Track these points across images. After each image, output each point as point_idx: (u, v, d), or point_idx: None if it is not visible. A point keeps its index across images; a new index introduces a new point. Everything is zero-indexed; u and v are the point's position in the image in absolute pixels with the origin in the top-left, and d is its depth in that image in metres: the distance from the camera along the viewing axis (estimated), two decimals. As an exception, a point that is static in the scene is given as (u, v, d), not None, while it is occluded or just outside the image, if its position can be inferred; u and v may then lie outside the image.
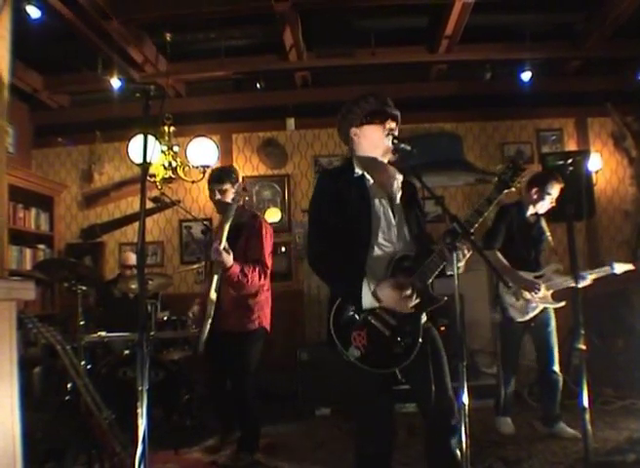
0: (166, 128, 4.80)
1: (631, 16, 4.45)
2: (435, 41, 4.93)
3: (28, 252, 5.33)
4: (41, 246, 5.53)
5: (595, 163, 5.62)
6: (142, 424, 1.83)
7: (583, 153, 5.43)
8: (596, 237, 5.75)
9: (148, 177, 3.19)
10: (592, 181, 5.36)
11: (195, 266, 4.84)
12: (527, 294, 3.53)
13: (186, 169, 4.91)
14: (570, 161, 4.10)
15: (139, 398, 1.85)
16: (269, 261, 3.30)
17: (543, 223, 3.75)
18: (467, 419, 1.87)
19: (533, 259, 3.67)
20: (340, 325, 2.06)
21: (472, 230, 1.96)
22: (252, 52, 5.20)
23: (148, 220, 5.65)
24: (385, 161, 2.21)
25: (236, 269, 3.06)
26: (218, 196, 3.30)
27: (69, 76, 5.43)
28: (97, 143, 5.92)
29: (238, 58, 5.18)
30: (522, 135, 5.92)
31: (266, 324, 3.36)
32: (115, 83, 4.77)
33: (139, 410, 1.84)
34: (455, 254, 1.91)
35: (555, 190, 3.59)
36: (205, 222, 4.45)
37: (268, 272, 3.29)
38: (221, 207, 3.30)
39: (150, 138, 2.10)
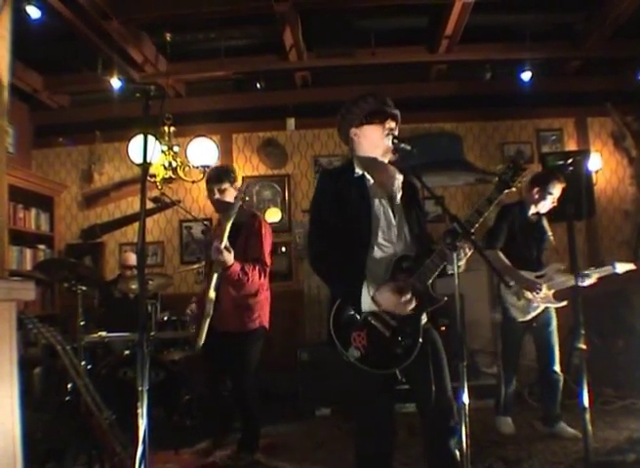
0: (166, 128, 4.81)
1: (631, 16, 4.45)
2: (435, 41, 4.93)
3: (28, 252, 5.33)
4: (41, 246, 5.53)
5: (595, 163, 5.62)
6: (143, 424, 1.83)
7: (583, 153, 5.42)
8: (596, 237, 5.75)
9: (148, 178, 3.19)
10: (592, 181, 5.35)
11: (195, 266, 4.84)
12: (528, 294, 3.54)
13: (186, 169, 4.91)
14: (570, 161, 4.11)
15: (139, 398, 1.85)
16: (269, 260, 3.30)
17: (545, 223, 3.75)
18: (467, 419, 1.87)
19: (534, 259, 3.67)
20: (340, 325, 2.06)
21: (473, 230, 1.96)
22: (252, 52, 5.20)
23: (148, 221, 5.65)
24: (386, 161, 2.21)
25: (237, 268, 3.06)
26: (217, 195, 3.29)
27: (69, 76, 5.43)
28: (97, 143, 5.92)
29: (238, 58, 5.18)
30: (522, 135, 5.92)
31: (266, 323, 3.36)
32: (115, 83, 4.76)
33: (139, 411, 1.84)
34: (455, 254, 1.91)
35: (557, 190, 3.59)
36: (205, 222, 4.47)
37: (268, 271, 3.29)
38: (221, 206, 3.29)
39: (150, 138, 2.10)
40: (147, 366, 1.88)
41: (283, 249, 5.70)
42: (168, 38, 4.85)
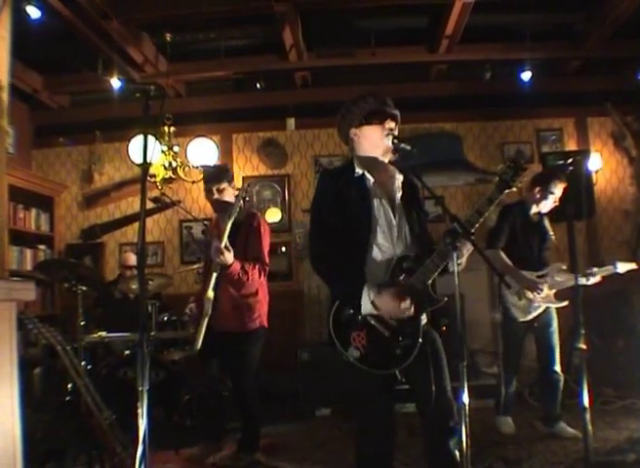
0: (166, 128, 4.81)
1: (631, 16, 4.45)
2: (435, 41, 4.93)
3: (29, 252, 5.33)
4: (41, 246, 5.53)
5: (595, 163, 5.62)
6: (143, 424, 1.83)
7: (583, 153, 5.43)
8: (596, 237, 5.75)
9: (148, 178, 3.19)
10: (592, 181, 5.36)
11: (195, 266, 4.84)
12: (529, 294, 3.54)
13: (186, 169, 4.92)
14: (570, 161, 4.11)
15: (139, 398, 1.85)
16: (268, 259, 3.30)
17: (547, 222, 3.75)
18: (467, 419, 1.87)
19: (536, 259, 3.66)
20: (340, 325, 2.06)
21: (473, 230, 1.96)
22: (252, 52, 5.20)
23: (149, 221, 5.65)
24: (386, 161, 2.21)
25: (237, 266, 3.06)
26: (216, 195, 3.27)
27: (69, 76, 5.43)
28: (97, 143, 5.92)
29: (238, 58, 5.19)
30: (522, 134, 5.92)
31: (266, 322, 3.35)
32: (115, 83, 4.77)
33: (139, 411, 1.84)
34: (455, 254, 1.91)
35: (558, 189, 3.59)
36: (205, 222, 4.46)
37: (268, 270, 3.29)
38: (219, 206, 3.29)
39: (150, 139, 2.10)
40: (147, 366, 1.88)
41: (283, 249, 5.69)
42: (168, 38, 4.85)
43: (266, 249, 3.30)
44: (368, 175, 2.15)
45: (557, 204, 3.63)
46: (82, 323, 3.64)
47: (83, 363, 3.47)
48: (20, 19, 3.52)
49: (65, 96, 5.89)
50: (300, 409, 4.52)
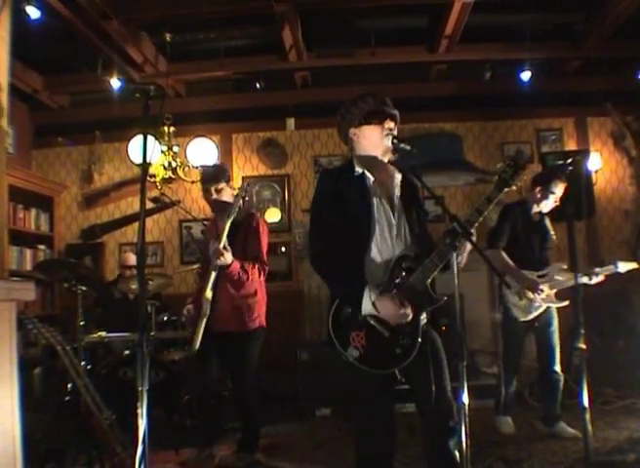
0: (166, 128, 4.81)
1: (631, 16, 4.44)
2: (435, 41, 4.93)
3: (28, 252, 5.33)
4: (41, 246, 5.53)
5: (595, 162, 5.63)
6: (143, 424, 1.83)
7: (583, 153, 5.43)
8: (596, 237, 5.75)
9: (148, 178, 3.18)
10: (592, 181, 5.36)
11: (195, 266, 4.83)
12: (530, 294, 3.54)
13: (186, 169, 4.92)
14: (569, 160, 4.11)
15: (139, 398, 1.85)
16: (266, 259, 3.30)
17: (548, 222, 3.76)
18: (467, 419, 1.87)
19: (537, 258, 3.67)
20: (339, 325, 2.06)
21: (472, 229, 1.96)
22: (252, 52, 5.20)
23: (148, 221, 5.65)
24: (385, 160, 2.21)
25: (236, 266, 3.05)
26: (214, 195, 3.25)
27: (69, 76, 5.43)
28: (97, 144, 5.92)
29: (238, 58, 5.19)
30: (522, 134, 5.92)
31: (264, 322, 3.35)
32: (115, 83, 4.76)
33: (139, 411, 1.84)
34: (455, 254, 1.92)
35: (559, 189, 3.59)
36: (205, 222, 4.45)
37: (267, 269, 3.29)
38: (218, 206, 3.28)
39: (150, 139, 2.10)
40: (147, 366, 1.88)
41: (283, 249, 5.69)
42: (168, 38, 4.85)
43: (266, 248, 3.30)
44: (368, 174, 2.15)
45: (558, 203, 3.63)
46: (82, 323, 3.64)
47: (83, 363, 3.48)
48: (19, 19, 3.52)
49: (65, 96, 5.89)
50: (300, 409, 4.52)
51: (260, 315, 3.30)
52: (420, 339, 2.01)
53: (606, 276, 3.55)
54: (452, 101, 5.82)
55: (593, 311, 3.74)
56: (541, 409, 3.78)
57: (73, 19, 4.24)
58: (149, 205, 4.46)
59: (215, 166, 3.57)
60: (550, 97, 5.73)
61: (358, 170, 2.16)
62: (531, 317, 3.60)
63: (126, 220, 5.85)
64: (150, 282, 4.10)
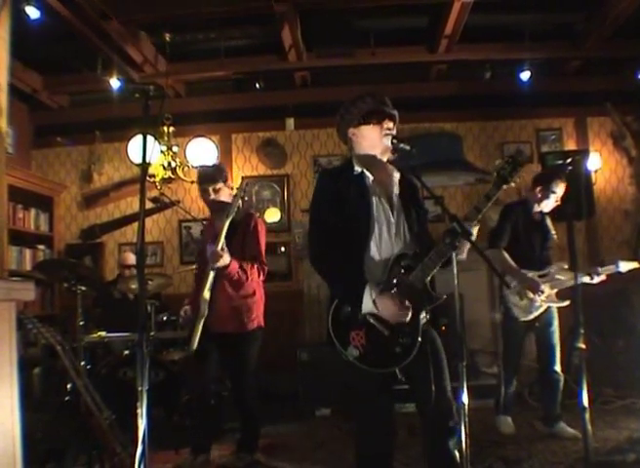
0: (165, 128, 4.81)
1: (631, 16, 4.45)
2: (435, 41, 4.93)
3: (28, 252, 5.33)
4: (41, 246, 5.52)
5: (595, 162, 5.63)
6: (142, 424, 1.83)
7: (583, 152, 5.43)
8: (596, 237, 5.75)
9: (148, 178, 3.19)
10: (592, 181, 5.36)
11: (194, 266, 4.84)
12: (531, 294, 3.54)
13: (186, 169, 4.92)
14: (569, 160, 4.11)
15: (139, 398, 1.85)
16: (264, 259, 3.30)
17: (549, 222, 3.76)
18: (467, 419, 1.87)
19: (538, 258, 3.66)
20: (339, 324, 2.06)
21: (472, 228, 1.96)
22: (251, 52, 5.20)
23: (148, 221, 5.65)
24: (384, 160, 2.21)
25: (235, 265, 3.05)
26: (212, 195, 3.24)
27: (69, 76, 5.43)
28: (96, 143, 5.92)
29: (238, 58, 5.19)
30: (522, 134, 5.92)
31: (262, 322, 3.34)
32: (115, 83, 4.77)
33: (139, 411, 1.84)
34: (455, 254, 1.92)
35: (560, 188, 3.60)
36: (204, 222, 4.45)
37: (267, 269, 3.29)
38: (216, 206, 3.27)
39: (150, 139, 2.10)
40: (147, 366, 1.88)
41: (282, 248, 5.69)
42: (167, 38, 4.85)
43: (264, 248, 3.29)
44: (367, 174, 2.15)
45: (559, 203, 3.64)
46: (81, 323, 3.63)
47: (83, 363, 3.47)
48: (19, 19, 3.53)
49: (65, 96, 5.89)
50: (300, 409, 4.52)
51: (258, 315, 3.30)
52: (419, 338, 2.01)
53: (607, 275, 3.56)
54: (452, 101, 5.82)
55: (593, 311, 3.74)
56: (541, 409, 3.78)
57: (73, 19, 4.24)
58: (149, 205, 4.46)
59: (212, 166, 3.56)
60: (550, 96, 5.73)
61: (357, 169, 2.16)
62: (531, 317, 3.60)
63: (125, 220, 5.84)
64: (150, 282, 4.09)
